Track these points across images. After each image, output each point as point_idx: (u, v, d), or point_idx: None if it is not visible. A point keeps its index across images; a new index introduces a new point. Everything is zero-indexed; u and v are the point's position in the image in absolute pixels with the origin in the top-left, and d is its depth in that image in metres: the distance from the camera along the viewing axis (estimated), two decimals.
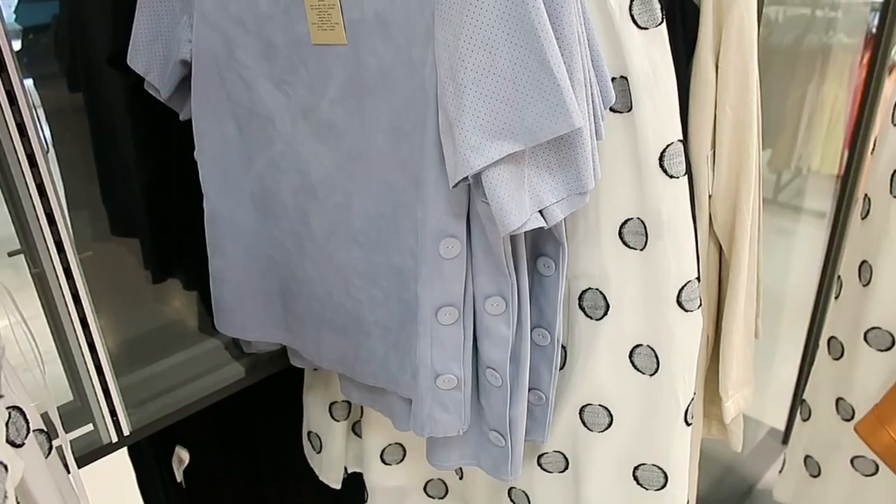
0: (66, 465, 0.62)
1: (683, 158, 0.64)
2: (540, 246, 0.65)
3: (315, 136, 0.65)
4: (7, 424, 0.51)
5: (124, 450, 0.89)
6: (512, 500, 0.87)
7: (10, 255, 0.67)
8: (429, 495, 0.97)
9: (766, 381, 1.78)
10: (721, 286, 0.83)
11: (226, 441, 1.10)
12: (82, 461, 0.72)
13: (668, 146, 0.63)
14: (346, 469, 1.01)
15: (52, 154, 0.68)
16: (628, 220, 0.67)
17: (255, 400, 1.04)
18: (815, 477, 1.20)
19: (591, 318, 0.72)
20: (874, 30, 1.50)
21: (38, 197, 0.63)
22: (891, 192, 0.94)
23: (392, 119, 0.60)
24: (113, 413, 0.74)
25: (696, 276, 0.68)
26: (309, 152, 0.66)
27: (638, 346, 0.71)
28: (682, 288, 0.67)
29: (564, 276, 0.65)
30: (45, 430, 0.57)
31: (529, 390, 0.69)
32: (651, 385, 0.71)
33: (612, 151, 0.65)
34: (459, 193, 0.57)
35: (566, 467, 0.79)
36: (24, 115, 0.61)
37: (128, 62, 0.70)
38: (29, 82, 0.68)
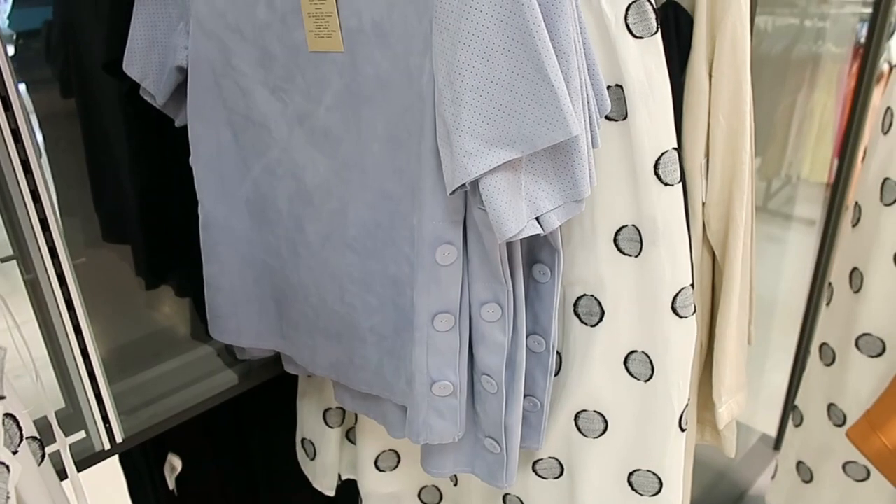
0: (59, 472, 0.62)
1: (678, 166, 0.65)
2: (536, 253, 0.66)
3: (311, 143, 0.65)
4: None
5: (115, 457, 0.88)
6: None
7: (2, 261, 0.67)
8: (423, 502, 0.97)
9: (758, 388, 1.79)
10: (714, 293, 0.83)
11: (219, 448, 1.09)
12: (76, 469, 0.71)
13: (662, 154, 0.64)
14: (339, 476, 1.01)
15: (44, 159, 0.68)
16: (623, 227, 0.67)
17: (248, 407, 1.03)
18: (807, 482, 1.21)
19: (586, 324, 0.72)
20: (862, 40, 1.52)
21: (32, 203, 0.63)
22: (881, 200, 0.95)
23: (389, 127, 0.60)
24: (105, 420, 0.73)
25: (691, 282, 0.68)
26: (305, 159, 0.66)
27: (633, 352, 0.71)
28: (677, 294, 0.67)
29: (560, 283, 0.66)
30: (39, 437, 0.57)
31: (525, 397, 0.69)
32: (646, 391, 0.71)
33: (608, 159, 0.65)
34: (456, 200, 0.58)
35: (561, 473, 0.79)
36: (18, 120, 0.60)
37: (123, 68, 0.70)
38: (22, 87, 0.67)
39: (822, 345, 1.12)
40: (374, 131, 0.61)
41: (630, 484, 0.75)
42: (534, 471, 0.80)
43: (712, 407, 0.84)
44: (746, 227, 0.77)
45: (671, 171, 0.64)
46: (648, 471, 0.74)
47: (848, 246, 1.04)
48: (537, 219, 0.55)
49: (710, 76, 0.71)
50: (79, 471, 0.72)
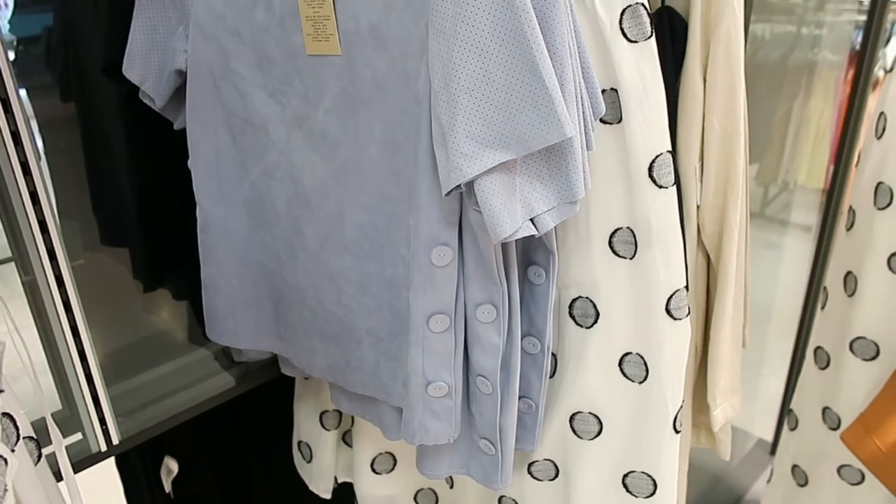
0: (55, 473, 0.62)
1: (672, 169, 0.66)
2: (531, 255, 0.66)
3: (309, 145, 0.66)
4: None
5: (111, 460, 0.88)
6: None
7: (1, 263, 0.67)
8: None
9: (755, 393, 1.79)
10: (709, 295, 0.84)
11: (215, 451, 1.09)
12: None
13: (657, 157, 0.64)
14: (336, 479, 1.01)
15: (44, 162, 0.68)
16: (618, 229, 0.68)
17: (245, 410, 1.04)
18: (802, 486, 1.21)
19: (581, 326, 0.73)
20: (858, 47, 1.53)
21: (31, 205, 0.63)
22: (874, 204, 0.96)
23: (386, 130, 0.60)
24: (102, 422, 0.74)
25: (685, 284, 0.69)
26: (303, 161, 0.67)
27: (627, 354, 0.71)
28: (671, 296, 0.67)
29: (555, 285, 0.66)
30: (35, 437, 0.57)
31: (519, 398, 0.70)
32: (640, 393, 0.72)
33: (603, 162, 0.66)
34: (452, 202, 0.58)
35: (556, 475, 0.80)
36: (18, 123, 0.61)
37: (123, 72, 0.71)
38: (22, 92, 0.68)
39: (817, 348, 1.12)
40: (371, 134, 0.62)
41: (625, 485, 0.76)
42: (529, 473, 0.81)
43: (707, 410, 0.85)
44: (741, 230, 0.78)
45: (665, 173, 0.65)
46: (643, 472, 0.74)
47: (842, 250, 1.05)
48: (532, 220, 0.55)
49: (705, 80, 0.72)
50: (75, 472, 0.72)
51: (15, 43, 0.74)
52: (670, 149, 0.65)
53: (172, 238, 0.85)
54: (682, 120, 0.73)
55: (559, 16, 0.50)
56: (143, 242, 0.86)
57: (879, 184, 0.95)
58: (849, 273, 1.02)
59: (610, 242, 0.68)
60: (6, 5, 0.72)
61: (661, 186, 0.65)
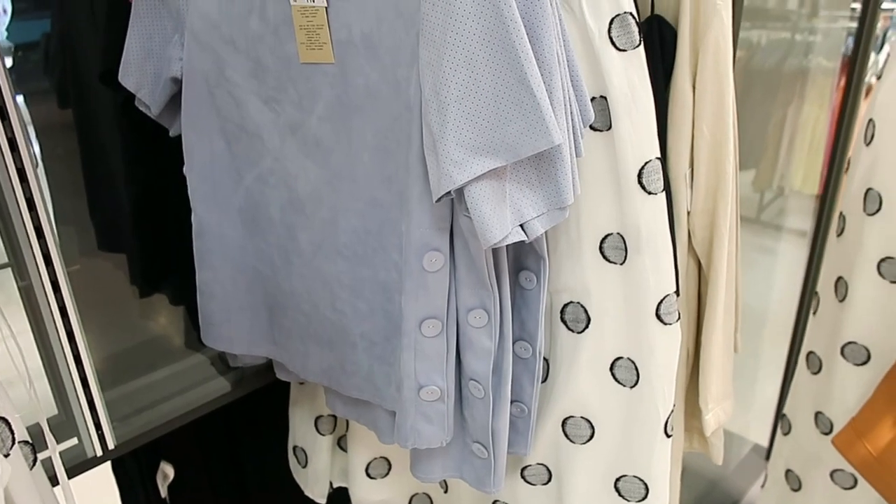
0: (50, 478, 0.62)
1: (661, 175, 0.66)
2: (522, 260, 0.67)
3: (303, 152, 0.66)
4: None
5: (107, 464, 0.89)
6: None
7: None
8: None
9: (750, 399, 1.79)
10: (700, 301, 0.85)
11: (211, 456, 1.10)
12: (66, 475, 0.72)
13: (646, 163, 0.65)
14: (331, 484, 1.01)
15: (41, 169, 0.69)
16: (608, 235, 0.69)
17: (240, 415, 1.04)
18: (795, 491, 1.21)
19: (572, 331, 0.73)
20: (849, 53, 1.54)
21: (27, 211, 0.63)
22: (864, 210, 0.97)
23: (378, 137, 0.61)
24: (98, 427, 0.74)
25: (675, 289, 0.69)
26: (297, 168, 0.67)
27: (618, 358, 0.72)
28: (661, 301, 0.68)
29: (546, 290, 0.67)
30: (31, 441, 0.57)
31: (512, 402, 0.70)
32: (631, 397, 0.72)
33: (593, 169, 0.67)
34: (443, 208, 0.59)
35: (549, 479, 0.80)
36: (15, 129, 0.61)
37: (119, 79, 0.71)
38: (19, 98, 0.69)
39: (809, 353, 1.13)
40: (363, 141, 0.62)
41: (617, 489, 0.76)
42: (522, 477, 0.81)
43: (699, 414, 0.85)
44: (731, 236, 0.78)
45: (654, 180, 0.66)
46: (635, 476, 0.75)
47: (833, 255, 1.06)
48: (522, 226, 0.56)
49: (694, 88, 0.72)
50: (71, 477, 0.73)
51: (13, 49, 0.74)
52: (659, 155, 0.66)
53: (168, 244, 0.85)
54: (672, 127, 0.74)
55: (547, 25, 0.51)
56: (139, 248, 0.87)
57: (868, 190, 0.96)
58: (840, 278, 1.03)
59: (600, 248, 0.69)
60: (5, 12, 0.73)
61: (650, 192, 0.66)
